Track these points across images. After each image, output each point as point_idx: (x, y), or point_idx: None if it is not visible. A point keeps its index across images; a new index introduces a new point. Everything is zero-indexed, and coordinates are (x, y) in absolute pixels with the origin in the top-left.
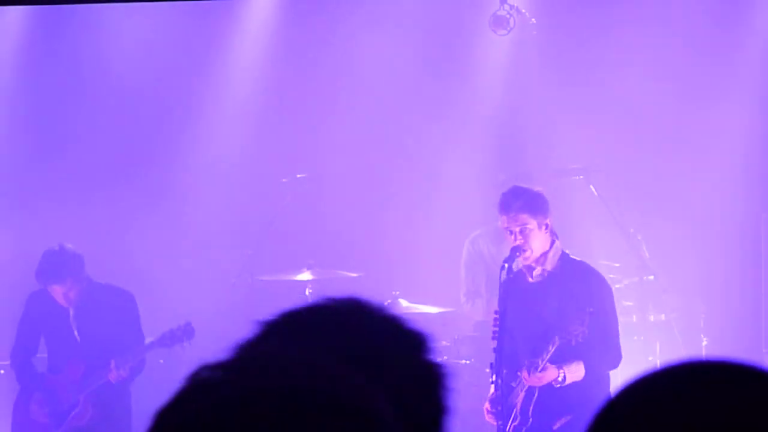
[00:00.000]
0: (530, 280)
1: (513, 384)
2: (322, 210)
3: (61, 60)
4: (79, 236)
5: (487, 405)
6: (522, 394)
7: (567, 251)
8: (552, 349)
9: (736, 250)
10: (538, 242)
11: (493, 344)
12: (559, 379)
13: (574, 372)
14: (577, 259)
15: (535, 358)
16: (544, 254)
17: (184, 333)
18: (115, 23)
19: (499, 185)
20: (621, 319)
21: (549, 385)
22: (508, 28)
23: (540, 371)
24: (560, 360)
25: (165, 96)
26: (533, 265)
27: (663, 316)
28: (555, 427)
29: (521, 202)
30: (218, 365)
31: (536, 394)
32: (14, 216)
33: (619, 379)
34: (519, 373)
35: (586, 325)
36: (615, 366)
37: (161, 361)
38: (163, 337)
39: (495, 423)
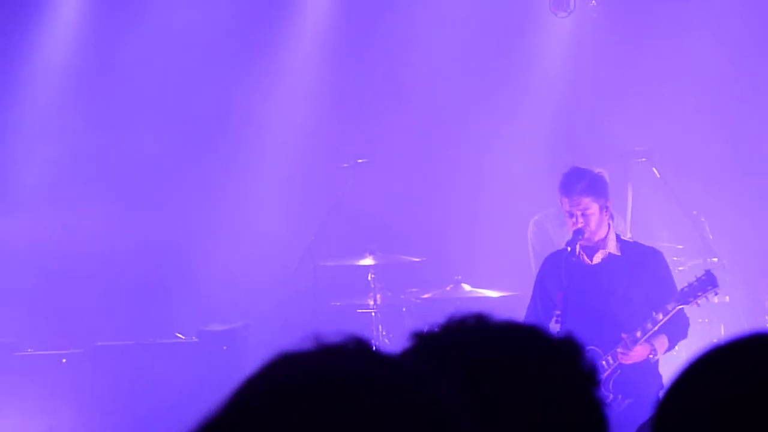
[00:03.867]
0: (590, 262)
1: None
2: (384, 195)
3: (128, 43)
4: (142, 226)
5: None
6: (608, 372)
7: (618, 233)
8: (651, 327)
9: None
10: (599, 225)
11: (556, 327)
12: (651, 354)
13: (662, 345)
14: (629, 240)
15: (612, 341)
16: (604, 237)
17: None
18: (173, 11)
19: (560, 167)
20: None
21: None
22: (569, 10)
23: (634, 348)
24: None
25: (226, 84)
26: (593, 246)
27: (727, 298)
28: (620, 408)
29: (583, 184)
30: (297, 353)
31: (619, 371)
32: (88, 208)
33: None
34: (604, 354)
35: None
36: (685, 336)
37: (225, 347)
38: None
39: None
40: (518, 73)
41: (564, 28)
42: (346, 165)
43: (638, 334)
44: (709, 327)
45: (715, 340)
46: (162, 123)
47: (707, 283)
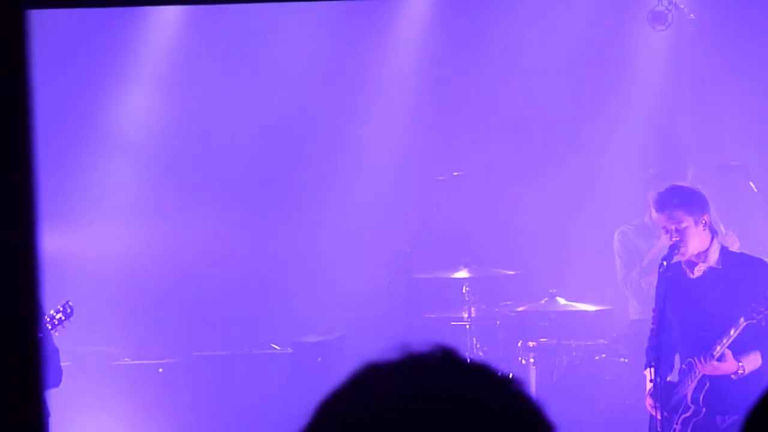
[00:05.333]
0: (691, 276)
1: (687, 375)
2: (479, 208)
3: (224, 54)
4: (240, 237)
5: (648, 400)
6: (693, 384)
7: (726, 246)
8: (734, 333)
9: None
10: (695, 239)
11: (651, 341)
12: (739, 372)
13: (752, 362)
14: (737, 251)
15: (704, 352)
16: (705, 251)
17: (63, 313)
18: (263, 23)
19: (650, 180)
20: None
21: (724, 376)
22: (666, 24)
23: (717, 359)
24: (738, 351)
25: (324, 96)
26: (694, 260)
27: None
28: (724, 426)
29: (677, 200)
30: (382, 365)
31: (707, 384)
32: (186, 219)
33: None
34: (692, 362)
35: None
36: None
37: (319, 359)
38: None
39: (659, 416)
40: (616, 86)
41: (662, 42)
42: (441, 178)
43: (717, 348)
44: None
45: None
46: (259, 134)
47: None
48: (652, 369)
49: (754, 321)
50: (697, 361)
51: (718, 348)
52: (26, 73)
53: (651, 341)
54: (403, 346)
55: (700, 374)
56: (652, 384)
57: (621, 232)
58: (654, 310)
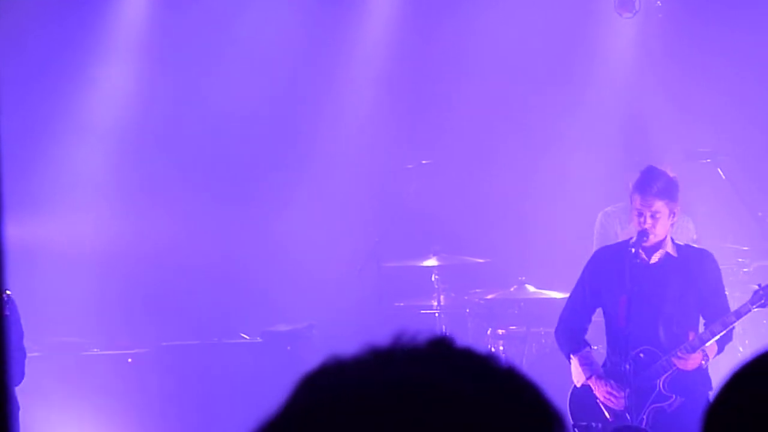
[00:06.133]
0: (648, 261)
1: (658, 364)
2: (448, 196)
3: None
4: (208, 226)
5: (605, 387)
6: (667, 374)
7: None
8: (708, 338)
9: None
10: (664, 228)
11: (621, 327)
12: (704, 361)
13: (712, 351)
14: (682, 243)
15: (671, 339)
16: (663, 239)
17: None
18: (232, 9)
19: (629, 169)
20: None
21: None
22: (634, 11)
23: (686, 353)
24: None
25: (293, 86)
26: (653, 247)
27: None
28: (672, 409)
29: (659, 186)
30: (344, 360)
31: (675, 372)
32: (153, 209)
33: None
34: (653, 351)
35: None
36: (731, 340)
37: (289, 348)
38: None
39: (616, 404)
40: (583, 73)
41: (629, 29)
42: (410, 166)
43: (696, 342)
44: None
45: None
46: (228, 122)
47: (764, 297)
48: (619, 354)
49: (730, 328)
50: (674, 356)
51: (698, 345)
52: None
53: (618, 327)
54: (398, 334)
55: (675, 367)
56: (604, 369)
57: (605, 213)
58: (622, 299)
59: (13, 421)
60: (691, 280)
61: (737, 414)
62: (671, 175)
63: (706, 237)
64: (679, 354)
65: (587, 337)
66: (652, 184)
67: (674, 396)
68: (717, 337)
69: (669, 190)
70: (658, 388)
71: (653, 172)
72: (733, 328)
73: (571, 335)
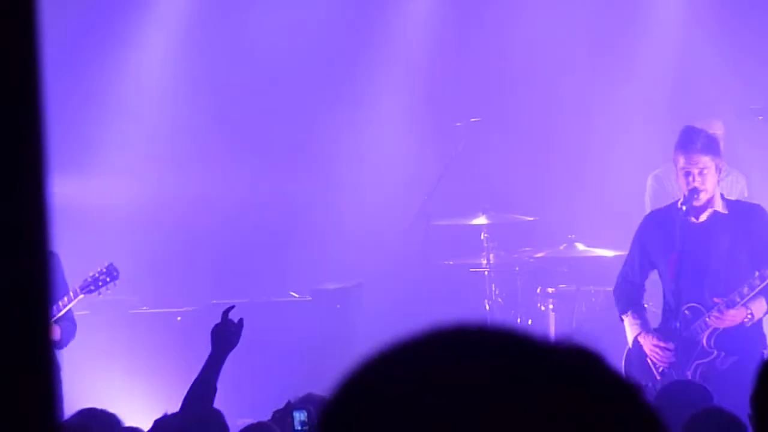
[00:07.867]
0: (696, 221)
1: (700, 321)
2: (497, 154)
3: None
4: (257, 186)
5: (656, 343)
6: (708, 331)
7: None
8: (748, 292)
9: None
10: (713, 184)
11: (671, 285)
12: (747, 318)
13: (759, 309)
14: (732, 198)
15: (717, 297)
16: (712, 196)
17: (108, 275)
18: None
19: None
20: None
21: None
22: None
23: (727, 312)
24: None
25: (344, 44)
26: (702, 206)
27: None
28: (724, 367)
29: (701, 143)
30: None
31: (720, 329)
32: (203, 168)
33: None
34: (698, 308)
35: None
36: None
37: (338, 306)
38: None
39: (662, 357)
40: (632, 30)
41: None
42: (459, 124)
43: (737, 297)
44: None
45: None
46: (279, 86)
47: None
48: (670, 312)
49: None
50: (713, 313)
51: (739, 300)
52: (35, 21)
53: (670, 285)
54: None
55: (713, 324)
56: (659, 327)
57: (655, 176)
58: (672, 257)
59: (56, 382)
60: (742, 235)
61: None
62: (711, 132)
63: (758, 195)
64: (714, 314)
65: (646, 295)
66: (694, 140)
67: (716, 352)
68: (755, 291)
69: (712, 146)
70: (701, 345)
71: (692, 129)
72: None
73: (625, 295)
